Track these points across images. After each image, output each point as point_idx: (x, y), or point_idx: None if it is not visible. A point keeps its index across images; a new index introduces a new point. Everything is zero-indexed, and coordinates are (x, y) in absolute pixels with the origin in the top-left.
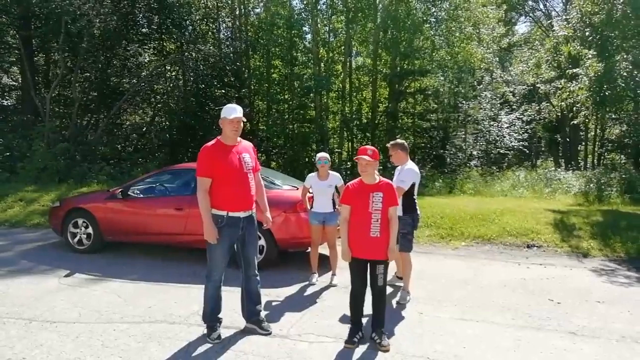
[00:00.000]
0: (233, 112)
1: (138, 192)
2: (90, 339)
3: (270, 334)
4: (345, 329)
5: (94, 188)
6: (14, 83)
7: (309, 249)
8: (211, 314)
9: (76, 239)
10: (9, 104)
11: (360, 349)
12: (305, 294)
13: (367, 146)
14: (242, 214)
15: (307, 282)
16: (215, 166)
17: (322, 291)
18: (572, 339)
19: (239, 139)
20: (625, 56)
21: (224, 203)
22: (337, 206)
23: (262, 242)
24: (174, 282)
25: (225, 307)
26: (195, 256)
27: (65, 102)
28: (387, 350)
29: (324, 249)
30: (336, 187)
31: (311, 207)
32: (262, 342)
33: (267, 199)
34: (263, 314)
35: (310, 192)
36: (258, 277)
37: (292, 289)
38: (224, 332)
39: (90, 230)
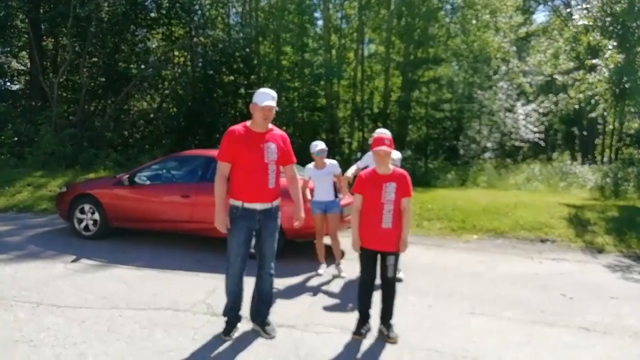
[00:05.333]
0: (266, 98)
1: (145, 178)
2: (96, 324)
3: (273, 338)
4: (353, 320)
5: (101, 174)
6: (23, 68)
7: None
8: (230, 310)
9: (83, 225)
10: (18, 88)
11: (368, 341)
12: (313, 284)
13: (383, 135)
14: (258, 206)
15: (314, 273)
16: (236, 152)
17: (330, 282)
18: (584, 334)
19: (270, 125)
20: None
21: (240, 193)
22: (338, 194)
23: None
24: (179, 269)
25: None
26: (201, 244)
27: (73, 87)
28: (395, 343)
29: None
30: (334, 174)
31: (312, 197)
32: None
33: None
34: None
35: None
36: (272, 277)
37: (300, 279)
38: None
39: (96, 216)
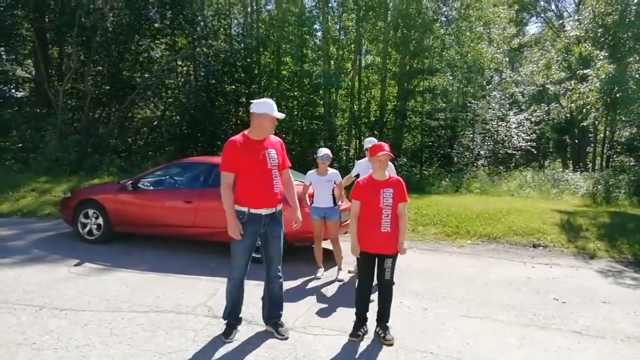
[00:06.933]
0: (274, 109)
1: (148, 184)
2: (99, 327)
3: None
4: (350, 322)
5: (105, 180)
6: (28, 75)
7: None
8: (230, 312)
9: (86, 230)
10: (22, 95)
11: (365, 343)
12: (311, 287)
13: (381, 142)
14: (264, 211)
15: (312, 276)
16: (239, 161)
17: (328, 285)
18: (576, 338)
19: None
20: (637, 58)
21: (246, 199)
22: (337, 201)
23: None
24: (181, 273)
25: None
26: (203, 248)
27: (77, 95)
28: (391, 345)
29: (329, 244)
30: (334, 182)
31: (311, 203)
32: (268, 333)
33: None
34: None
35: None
36: (281, 280)
37: (298, 283)
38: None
39: (100, 221)
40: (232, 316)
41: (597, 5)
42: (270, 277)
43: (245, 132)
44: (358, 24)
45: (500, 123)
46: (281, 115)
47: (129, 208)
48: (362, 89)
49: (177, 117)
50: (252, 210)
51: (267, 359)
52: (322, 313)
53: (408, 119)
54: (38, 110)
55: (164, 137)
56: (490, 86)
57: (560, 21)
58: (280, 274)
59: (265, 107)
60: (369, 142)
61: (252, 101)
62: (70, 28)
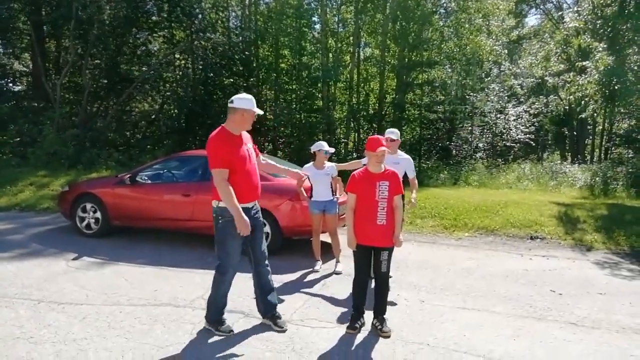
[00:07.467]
0: (254, 105)
1: (146, 178)
2: (97, 320)
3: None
4: (348, 315)
5: (103, 174)
6: (25, 69)
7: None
8: (221, 310)
9: (84, 223)
10: (20, 89)
11: (362, 335)
12: (309, 280)
13: (378, 136)
14: (250, 205)
15: (310, 269)
16: (228, 157)
17: (325, 278)
18: (572, 329)
19: None
20: (637, 50)
21: (236, 195)
22: (335, 194)
23: (267, 229)
24: (179, 266)
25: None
26: (201, 242)
27: (75, 88)
28: (388, 337)
29: (327, 237)
30: (331, 176)
31: (311, 197)
32: (265, 326)
33: (273, 187)
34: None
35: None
36: (269, 267)
37: (296, 276)
38: (227, 316)
39: (98, 214)
40: (222, 312)
41: None
42: (259, 269)
43: (225, 127)
44: (357, 17)
45: (498, 115)
46: (261, 112)
47: (127, 202)
48: (361, 81)
49: (175, 111)
50: (242, 205)
51: (264, 352)
52: (320, 305)
53: (407, 112)
54: (36, 104)
55: (162, 130)
56: (489, 78)
57: (560, 13)
58: (267, 262)
59: (250, 103)
60: (390, 132)
61: (242, 96)
62: (67, 21)
